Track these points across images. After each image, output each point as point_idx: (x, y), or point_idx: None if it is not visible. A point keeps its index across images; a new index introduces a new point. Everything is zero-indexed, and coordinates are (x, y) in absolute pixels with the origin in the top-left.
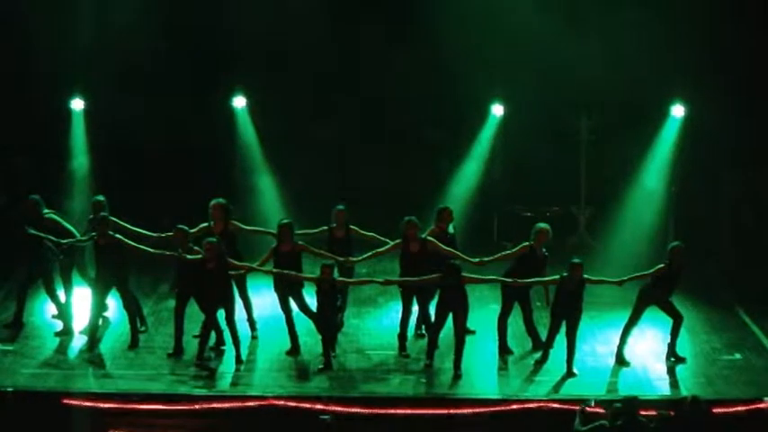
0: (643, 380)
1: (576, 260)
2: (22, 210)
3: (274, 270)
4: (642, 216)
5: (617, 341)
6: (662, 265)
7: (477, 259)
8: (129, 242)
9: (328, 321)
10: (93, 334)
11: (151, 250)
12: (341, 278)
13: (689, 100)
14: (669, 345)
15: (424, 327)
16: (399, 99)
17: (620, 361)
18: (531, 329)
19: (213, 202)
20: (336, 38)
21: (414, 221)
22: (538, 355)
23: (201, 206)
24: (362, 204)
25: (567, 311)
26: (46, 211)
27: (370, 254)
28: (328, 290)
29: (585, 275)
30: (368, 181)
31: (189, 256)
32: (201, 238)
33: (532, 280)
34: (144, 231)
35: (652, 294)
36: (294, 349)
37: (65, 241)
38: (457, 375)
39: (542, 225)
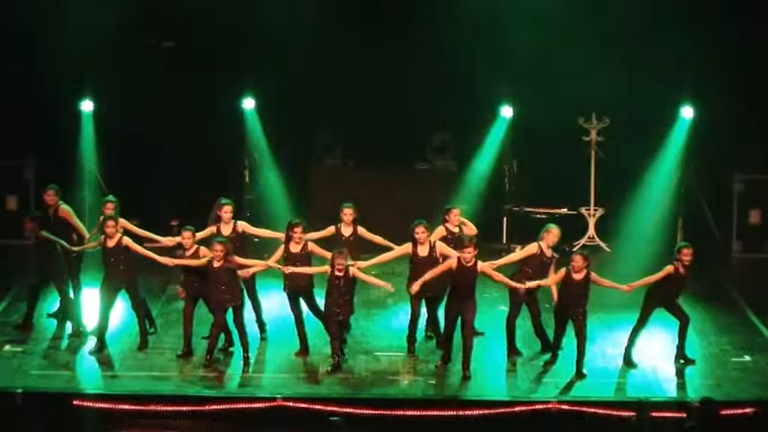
0: (652, 381)
1: (579, 251)
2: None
3: (287, 266)
4: (651, 218)
5: (626, 343)
6: (669, 267)
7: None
8: (137, 246)
9: (333, 312)
10: (103, 335)
11: (157, 258)
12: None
13: (698, 101)
14: (678, 346)
15: (432, 329)
16: (408, 100)
17: (628, 363)
18: (539, 331)
19: (223, 202)
20: (344, 41)
21: (423, 225)
22: (547, 356)
23: (210, 207)
24: (369, 206)
25: (571, 310)
26: (61, 202)
27: (377, 259)
28: (340, 278)
29: (593, 273)
30: (375, 183)
31: (196, 258)
32: (209, 239)
33: (540, 282)
34: (152, 235)
35: (660, 296)
36: (303, 351)
37: (76, 249)
38: (466, 377)
39: (551, 226)
